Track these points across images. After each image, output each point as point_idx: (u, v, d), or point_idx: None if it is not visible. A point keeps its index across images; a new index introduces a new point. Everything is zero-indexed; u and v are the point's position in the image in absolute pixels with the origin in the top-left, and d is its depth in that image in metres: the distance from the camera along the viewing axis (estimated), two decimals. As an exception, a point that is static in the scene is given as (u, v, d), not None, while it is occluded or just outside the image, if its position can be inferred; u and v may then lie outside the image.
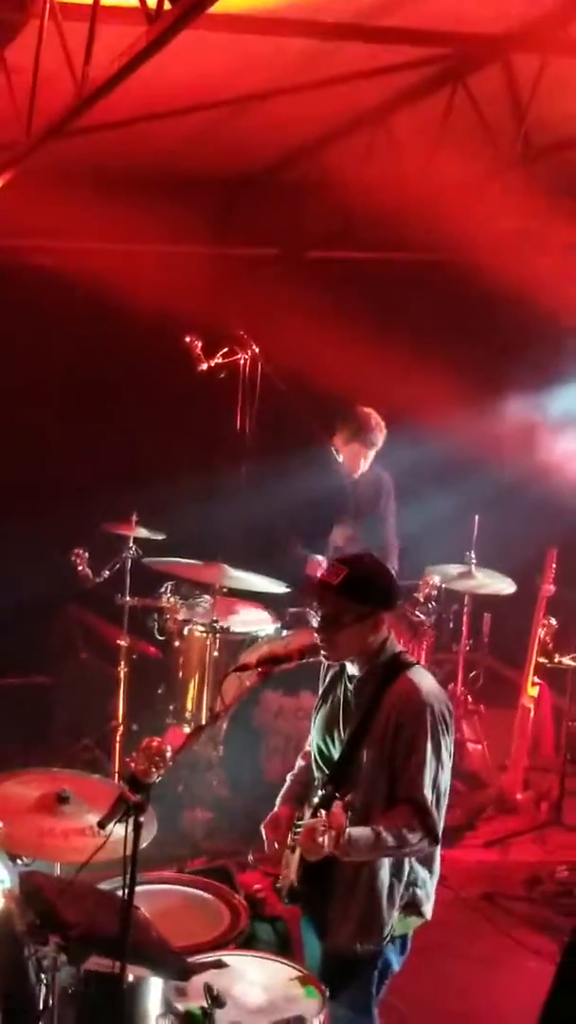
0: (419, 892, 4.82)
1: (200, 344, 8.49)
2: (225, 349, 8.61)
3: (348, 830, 4.44)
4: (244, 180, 9.91)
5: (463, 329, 9.81)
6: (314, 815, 4.68)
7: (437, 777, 4.67)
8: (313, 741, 5.00)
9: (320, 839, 4.40)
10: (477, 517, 8.60)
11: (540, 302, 9.25)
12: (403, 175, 8.13)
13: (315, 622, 4.91)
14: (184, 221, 9.59)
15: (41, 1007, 4.80)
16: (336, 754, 4.84)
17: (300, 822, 4.86)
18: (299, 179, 9.59)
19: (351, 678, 4.86)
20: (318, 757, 4.94)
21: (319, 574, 4.95)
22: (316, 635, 4.86)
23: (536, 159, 7.62)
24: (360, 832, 4.49)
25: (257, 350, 8.65)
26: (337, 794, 4.53)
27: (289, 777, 5.17)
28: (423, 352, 9.29)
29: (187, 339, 8.48)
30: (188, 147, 8.76)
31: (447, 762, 4.72)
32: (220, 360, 8.58)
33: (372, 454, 8.41)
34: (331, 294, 9.48)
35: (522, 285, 9.00)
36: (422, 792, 4.61)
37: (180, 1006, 4.46)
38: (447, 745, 4.72)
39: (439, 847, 4.86)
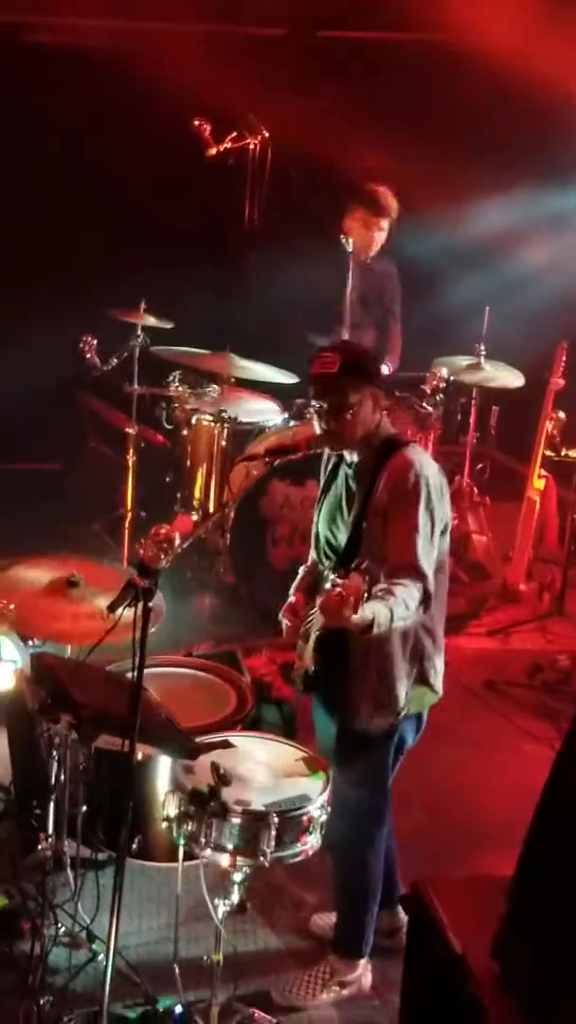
0: (427, 664, 4.88)
1: (209, 128, 8.33)
2: (234, 134, 8.45)
3: (371, 608, 4.37)
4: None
5: (482, 116, 9.56)
6: None
7: (430, 542, 4.67)
8: (319, 532, 5.02)
9: (344, 609, 4.37)
10: (488, 309, 8.52)
11: (564, 92, 9.01)
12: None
13: (318, 415, 4.87)
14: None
15: (52, 783, 4.95)
16: (343, 540, 4.87)
17: (313, 611, 4.92)
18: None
19: (350, 464, 4.87)
20: (325, 547, 4.97)
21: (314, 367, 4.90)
22: (323, 426, 4.84)
23: None
24: (378, 609, 4.42)
25: (267, 135, 8.49)
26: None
27: (301, 569, 5.21)
28: (438, 138, 9.09)
29: (195, 123, 8.32)
30: None
31: (439, 532, 4.74)
32: (229, 145, 8.43)
33: (386, 226, 8.23)
34: (344, 77, 9.24)
35: (547, 74, 8.77)
36: (416, 557, 4.60)
37: (187, 784, 4.57)
38: (441, 514, 4.73)
39: (442, 620, 4.92)
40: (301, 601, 5.05)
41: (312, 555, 5.13)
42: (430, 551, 4.68)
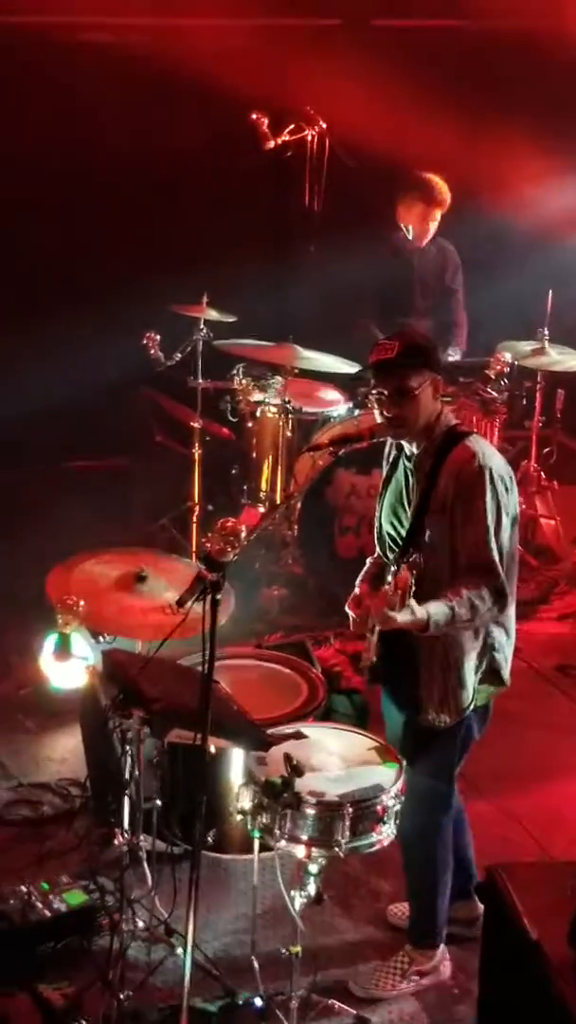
0: (497, 656, 4.86)
1: (266, 121, 8.35)
2: (292, 126, 8.46)
3: (427, 608, 4.44)
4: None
5: (540, 98, 9.48)
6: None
7: (500, 539, 4.66)
8: (382, 525, 5.00)
9: (392, 603, 4.40)
10: (551, 292, 8.46)
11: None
12: None
13: (378, 403, 4.84)
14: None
15: (127, 777, 4.97)
16: (404, 532, 4.85)
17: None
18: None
19: (410, 456, 4.84)
20: (388, 539, 4.95)
21: (373, 354, 4.89)
22: (385, 413, 4.79)
23: None
24: (436, 608, 4.48)
25: (324, 126, 8.50)
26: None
27: (368, 559, 5.18)
28: (496, 122, 9.05)
29: (253, 117, 8.34)
30: None
31: (509, 523, 4.71)
32: (287, 137, 8.45)
33: (438, 215, 8.26)
34: (400, 65, 9.20)
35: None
36: (487, 554, 4.60)
37: (261, 776, 4.58)
38: (508, 507, 4.70)
39: (513, 610, 4.88)
40: (366, 591, 5.03)
41: (378, 544, 5.12)
42: (500, 546, 4.66)
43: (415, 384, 4.71)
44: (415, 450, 4.81)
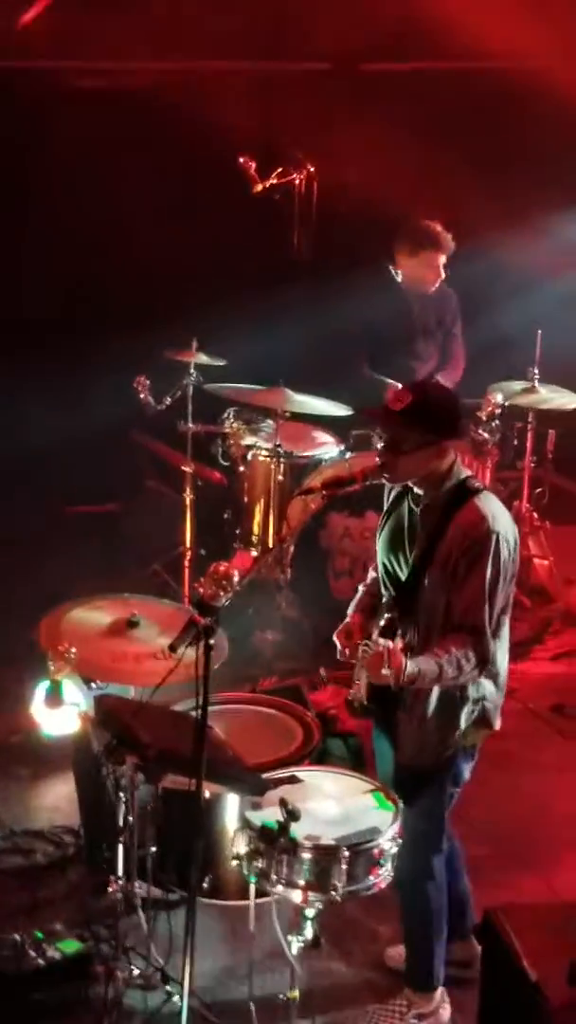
0: (488, 706, 4.86)
1: (254, 165, 8.38)
2: (280, 169, 8.50)
3: (417, 663, 4.48)
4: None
5: (525, 143, 9.57)
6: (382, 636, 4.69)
7: (494, 604, 4.67)
8: (379, 559, 5.00)
9: (384, 671, 4.42)
10: (540, 332, 8.48)
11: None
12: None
13: (379, 445, 4.89)
14: (234, 36, 9.40)
15: (121, 824, 4.95)
16: (402, 574, 4.85)
17: (368, 641, 4.89)
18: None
19: (416, 499, 4.84)
20: (384, 575, 4.95)
21: (386, 399, 4.90)
22: (378, 458, 4.85)
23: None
24: (426, 665, 4.51)
25: (312, 169, 8.53)
26: (399, 628, 4.56)
27: (360, 587, 5.18)
28: (483, 166, 9.10)
29: (241, 160, 8.37)
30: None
31: (504, 584, 4.71)
32: (275, 180, 8.48)
33: (442, 261, 8.19)
34: (387, 109, 9.26)
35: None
36: (480, 619, 4.63)
37: (256, 820, 4.56)
38: (508, 571, 4.71)
39: (505, 661, 4.89)
40: (358, 622, 5.01)
41: (371, 575, 5.12)
42: (494, 610, 4.69)
43: (408, 445, 4.72)
44: (423, 495, 4.82)
